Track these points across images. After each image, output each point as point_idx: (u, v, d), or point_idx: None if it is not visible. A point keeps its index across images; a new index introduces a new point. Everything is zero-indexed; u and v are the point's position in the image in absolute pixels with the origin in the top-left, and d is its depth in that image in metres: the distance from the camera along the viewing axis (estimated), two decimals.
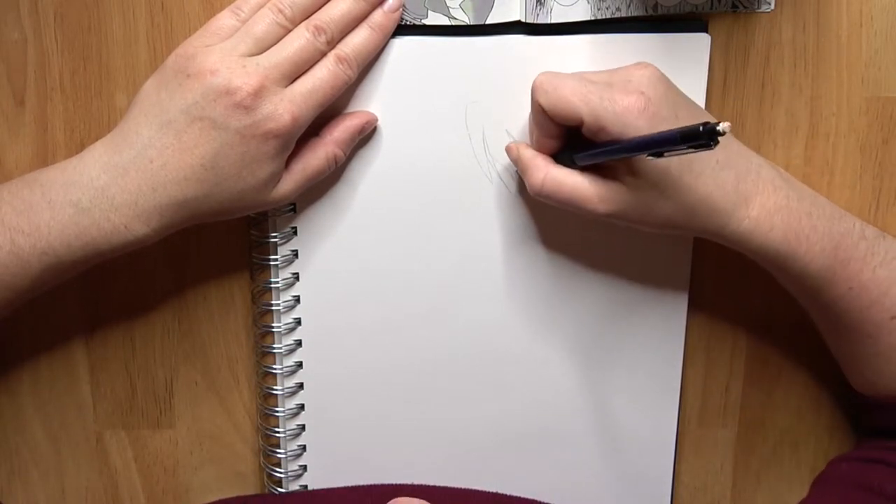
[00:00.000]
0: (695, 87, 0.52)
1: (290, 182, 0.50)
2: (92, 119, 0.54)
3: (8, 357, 0.57)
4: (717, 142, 0.38)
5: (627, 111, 0.45)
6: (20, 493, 0.59)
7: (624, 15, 0.52)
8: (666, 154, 0.42)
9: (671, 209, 0.48)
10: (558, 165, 0.49)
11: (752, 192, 0.48)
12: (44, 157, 0.54)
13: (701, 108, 0.49)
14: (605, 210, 0.48)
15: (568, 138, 0.49)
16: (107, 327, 0.57)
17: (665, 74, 0.47)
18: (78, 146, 0.51)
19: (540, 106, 0.47)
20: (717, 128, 0.38)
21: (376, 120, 0.52)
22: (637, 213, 0.48)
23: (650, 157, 0.43)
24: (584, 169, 0.48)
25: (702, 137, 0.39)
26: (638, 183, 0.47)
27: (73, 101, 0.53)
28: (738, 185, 0.48)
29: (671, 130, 0.41)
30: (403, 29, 0.51)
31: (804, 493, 0.57)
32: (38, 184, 0.48)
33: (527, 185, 0.50)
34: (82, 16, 0.52)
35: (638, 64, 0.48)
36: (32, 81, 0.53)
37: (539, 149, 0.50)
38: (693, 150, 0.40)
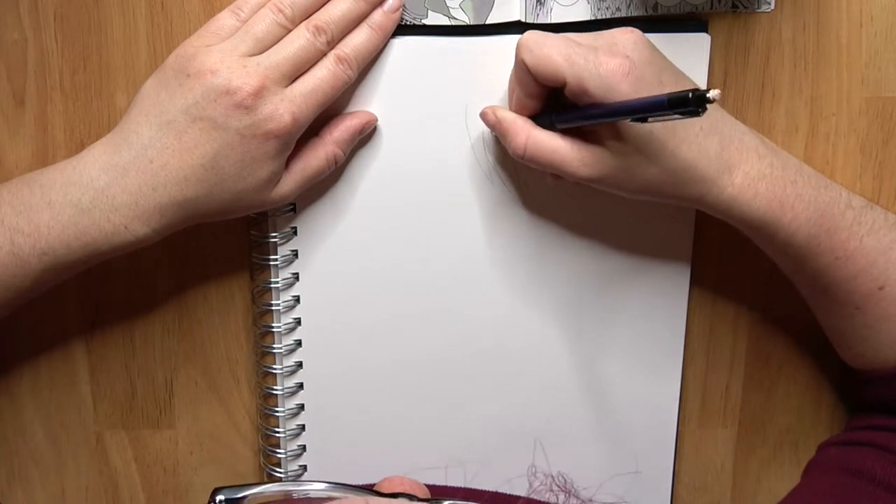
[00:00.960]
0: None
1: (290, 182, 0.50)
2: (92, 119, 0.54)
3: (8, 357, 0.57)
4: (706, 109, 0.38)
5: (612, 74, 0.45)
6: (20, 493, 0.59)
7: (624, 15, 0.52)
8: (650, 119, 0.42)
9: (654, 175, 0.48)
10: (539, 128, 0.49)
11: (736, 160, 0.48)
12: (44, 157, 0.54)
13: (684, 74, 0.49)
14: (587, 174, 0.48)
15: (548, 100, 0.49)
16: (107, 327, 0.57)
17: (649, 39, 0.47)
18: (78, 146, 0.51)
19: (524, 64, 0.47)
20: (707, 95, 0.37)
21: (376, 120, 0.52)
22: (619, 178, 0.48)
23: (634, 122, 0.43)
24: (566, 132, 0.48)
25: (690, 104, 0.38)
26: (621, 147, 0.47)
27: (73, 101, 0.53)
28: (722, 153, 0.48)
29: (659, 95, 0.41)
30: (403, 29, 0.51)
31: None
32: (37, 184, 0.48)
33: (508, 148, 0.50)
34: (82, 16, 0.52)
35: (623, 28, 0.47)
36: (32, 81, 0.53)
37: (519, 110, 0.50)
38: (680, 116, 0.40)
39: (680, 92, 0.39)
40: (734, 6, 0.53)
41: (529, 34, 0.47)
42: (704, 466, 0.61)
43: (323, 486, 0.42)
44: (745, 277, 0.57)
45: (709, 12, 0.53)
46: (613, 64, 0.45)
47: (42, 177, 0.48)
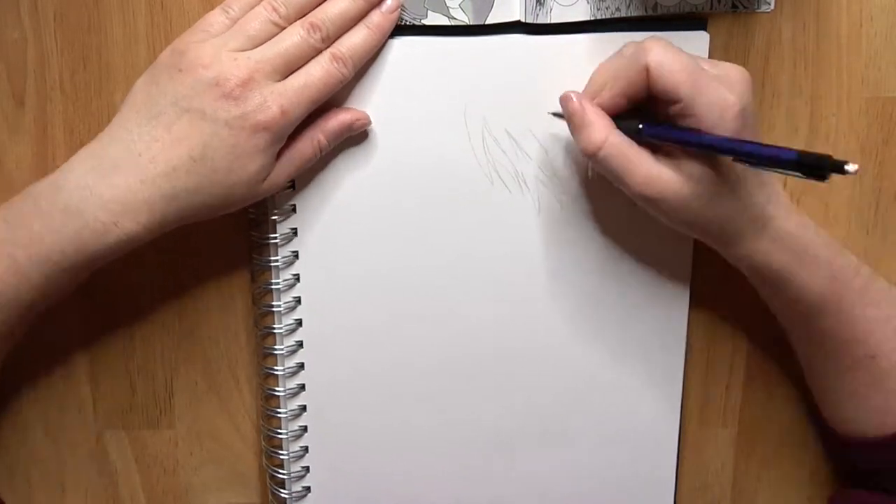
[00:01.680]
0: None
1: (279, 171, 0.50)
2: (92, 119, 0.54)
3: (8, 358, 0.57)
4: (829, 177, 0.38)
5: (728, 109, 0.45)
6: (20, 493, 0.59)
7: (624, 15, 0.52)
8: (757, 165, 0.42)
9: (709, 212, 0.48)
10: (619, 131, 0.48)
11: (770, 216, 0.49)
12: (44, 157, 0.54)
13: (758, 126, 0.49)
14: (647, 193, 0.47)
15: (634, 107, 0.48)
16: (107, 327, 0.57)
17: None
18: (78, 146, 0.50)
19: (646, 68, 0.46)
20: (846, 167, 0.36)
21: (368, 121, 0.52)
22: (671, 206, 0.47)
23: (737, 161, 0.44)
24: (641, 142, 0.47)
25: (822, 169, 0.37)
26: (697, 177, 0.46)
27: (73, 101, 0.53)
28: (766, 206, 0.48)
29: (787, 150, 0.40)
30: (403, 29, 0.51)
31: (804, 493, 0.57)
32: (29, 196, 0.48)
33: (579, 141, 0.48)
34: (82, 16, 0.52)
35: (733, 65, 0.47)
36: (32, 81, 0.53)
37: (607, 104, 0.48)
38: (800, 175, 0.39)
39: (814, 154, 0.38)
40: (734, 6, 0.53)
41: (659, 41, 0.46)
42: (704, 466, 0.61)
43: None
44: (746, 278, 0.57)
45: (708, 12, 0.53)
46: (731, 99, 0.45)
47: (33, 188, 0.48)
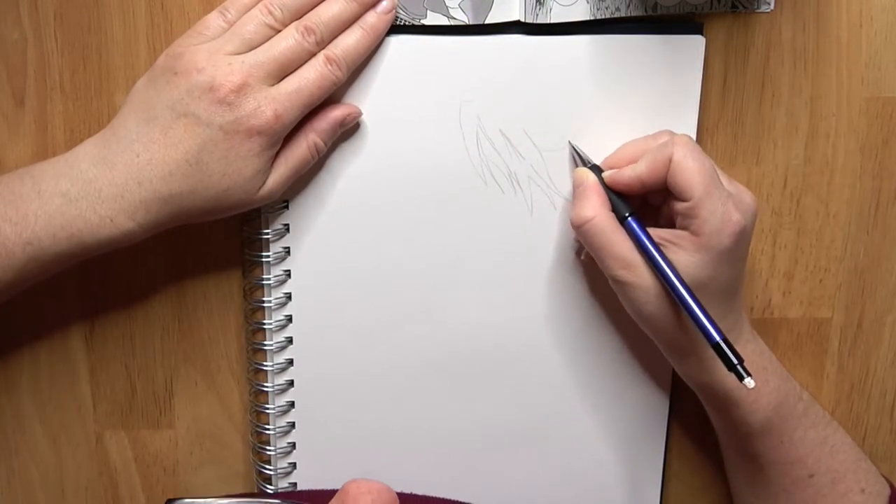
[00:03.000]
0: (689, 89, 0.53)
1: (275, 177, 0.50)
2: (92, 119, 0.54)
3: (8, 356, 0.57)
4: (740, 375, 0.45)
5: (729, 224, 0.47)
6: (20, 493, 0.59)
7: (623, 15, 0.52)
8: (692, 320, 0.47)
9: (668, 319, 0.50)
10: (610, 213, 0.50)
11: (732, 339, 0.49)
12: (44, 157, 0.54)
13: (745, 258, 0.51)
14: (618, 275, 0.49)
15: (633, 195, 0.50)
16: (107, 327, 0.57)
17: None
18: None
19: (668, 159, 0.48)
20: (744, 381, 0.45)
21: (359, 113, 0.52)
22: (638, 297, 0.49)
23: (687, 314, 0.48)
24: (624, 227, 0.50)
25: (727, 365, 0.46)
26: (660, 284, 0.49)
27: (73, 101, 0.54)
28: (730, 332, 0.49)
29: (717, 328, 0.46)
30: (402, 29, 0.51)
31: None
32: (29, 175, 0.48)
33: (571, 210, 0.51)
34: (82, 16, 0.52)
35: (747, 190, 0.49)
36: (32, 81, 0.53)
37: (628, 182, 0.50)
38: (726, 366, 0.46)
39: (726, 353, 0.46)
40: (734, 6, 0.53)
41: (689, 140, 0.48)
42: (704, 466, 0.60)
43: (275, 501, 0.42)
44: (745, 277, 0.57)
45: (708, 13, 0.53)
46: (735, 219, 0.47)
47: (35, 168, 0.48)
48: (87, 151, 0.48)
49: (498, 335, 0.56)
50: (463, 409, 0.57)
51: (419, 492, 0.58)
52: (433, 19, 0.51)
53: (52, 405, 0.58)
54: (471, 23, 0.51)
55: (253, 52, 0.48)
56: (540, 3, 0.51)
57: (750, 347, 0.51)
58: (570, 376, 0.57)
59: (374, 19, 0.50)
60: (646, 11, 0.52)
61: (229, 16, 0.49)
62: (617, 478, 0.59)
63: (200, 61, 0.47)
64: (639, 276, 0.49)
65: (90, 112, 0.54)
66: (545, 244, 0.55)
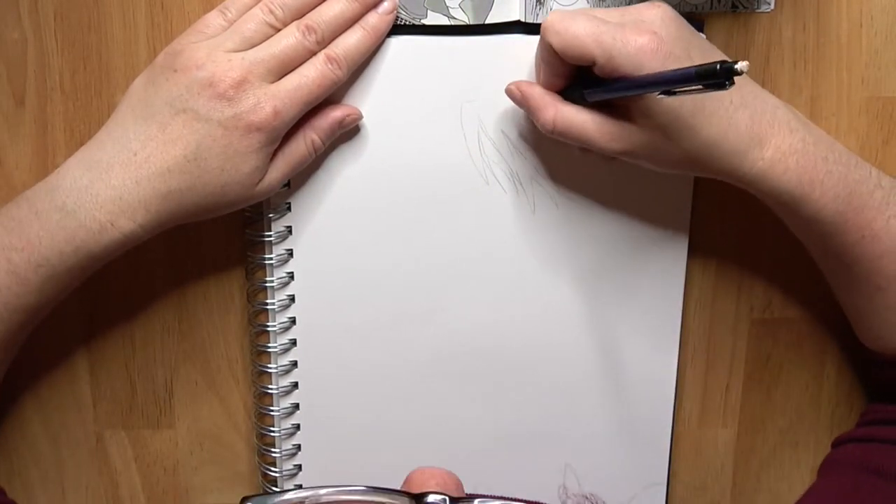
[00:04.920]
0: None
1: (273, 173, 0.50)
2: (92, 119, 0.54)
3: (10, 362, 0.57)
4: (733, 82, 0.38)
5: (641, 51, 0.45)
6: (20, 493, 0.59)
7: None
8: (679, 92, 0.42)
9: (682, 149, 0.47)
10: (567, 103, 0.49)
11: (768, 134, 0.48)
12: (44, 157, 0.54)
13: (714, 48, 0.49)
14: (617, 148, 0.48)
15: (576, 75, 0.49)
16: (107, 327, 0.57)
17: (677, 13, 0.47)
18: (78, 146, 0.50)
19: (550, 46, 0.47)
20: (735, 66, 0.37)
21: (359, 114, 0.52)
22: (647, 152, 0.48)
23: (661, 96, 0.43)
24: (594, 106, 0.48)
25: (718, 76, 0.38)
26: (650, 122, 0.47)
27: (73, 101, 0.54)
28: (753, 126, 0.47)
29: (687, 68, 0.40)
30: (403, 29, 0.51)
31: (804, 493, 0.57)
32: (24, 199, 0.48)
33: (537, 123, 0.50)
34: (82, 16, 0.52)
35: (649, 3, 0.47)
36: (32, 81, 0.53)
37: (547, 87, 0.50)
38: (708, 89, 0.39)
39: (707, 64, 0.39)
40: (734, 6, 0.53)
41: (554, 15, 0.47)
42: (704, 466, 0.61)
43: (359, 488, 0.42)
44: (745, 278, 0.57)
45: (708, 12, 0.53)
46: (642, 41, 0.45)
47: (29, 192, 0.48)
48: (78, 160, 0.48)
49: (501, 334, 0.56)
50: (468, 408, 0.57)
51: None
52: (434, 19, 0.51)
53: (52, 405, 0.58)
54: (471, 23, 0.51)
55: (253, 49, 0.48)
56: (540, 3, 0.51)
57: (799, 136, 0.48)
58: (574, 376, 0.57)
59: (376, 19, 0.50)
60: None
61: (230, 14, 0.49)
62: (619, 477, 0.59)
63: (200, 58, 0.47)
64: (635, 135, 0.47)
65: (90, 112, 0.54)
66: (548, 243, 0.55)
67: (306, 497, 0.42)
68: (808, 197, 0.48)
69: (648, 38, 0.45)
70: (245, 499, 0.42)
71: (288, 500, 0.42)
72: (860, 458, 0.54)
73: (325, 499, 0.42)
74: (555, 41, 0.46)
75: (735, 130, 0.47)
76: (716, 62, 0.38)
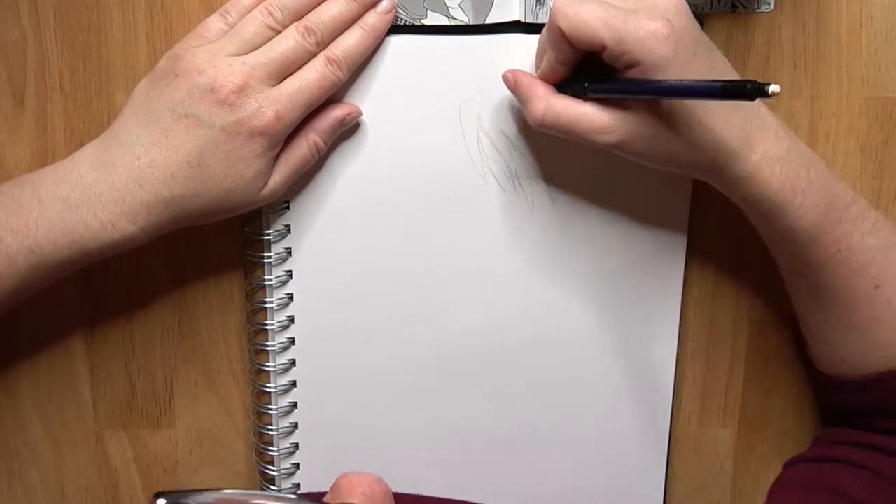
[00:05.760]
0: None
1: (276, 177, 0.50)
2: (92, 119, 0.54)
3: (8, 357, 0.57)
4: (756, 99, 0.38)
5: (652, 36, 0.44)
6: (20, 493, 0.59)
7: None
8: (693, 98, 0.42)
9: (678, 143, 0.47)
10: (559, 95, 0.48)
11: (757, 138, 0.48)
12: (44, 157, 0.54)
13: (715, 47, 0.48)
14: (610, 140, 0.47)
15: (578, 69, 0.48)
16: (107, 327, 0.57)
17: (688, 7, 0.46)
18: (78, 146, 0.51)
19: (559, 30, 0.46)
20: (767, 89, 0.37)
21: (359, 112, 0.52)
22: (642, 145, 0.47)
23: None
24: (587, 98, 0.48)
25: (747, 96, 0.38)
26: (648, 116, 0.46)
27: (73, 101, 0.54)
28: (745, 128, 0.47)
29: (712, 83, 0.40)
30: (402, 29, 0.51)
31: None
32: (28, 183, 0.48)
33: (526, 116, 0.49)
34: (82, 16, 0.52)
35: None
36: (32, 81, 0.53)
37: (549, 75, 0.49)
38: (727, 101, 0.39)
39: (736, 82, 0.38)
40: (734, 6, 0.53)
41: (563, 1, 0.46)
42: (704, 466, 0.61)
43: (267, 494, 0.42)
44: (745, 278, 0.57)
45: (708, 12, 0.53)
46: (654, 26, 0.44)
47: (34, 176, 0.48)
48: (86, 156, 0.48)
49: (499, 334, 0.56)
50: (466, 408, 0.57)
51: (422, 492, 0.58)
52: (433, 19, 0.51)
53: (52, 405, 0.58)
54: (471, 23, 0.51)
55: (254, 53, 0.48)
56: (540, 3, 0.51)
57: (785, 144, 0.48)
58: (572, 375, 0.57)
59: (375, 19, 0.50)
60: None
61: (230, 18, 0.49)
62: (619, 477, 0.59)
63: (201, 63, 0.47)
64: (631, 129, 0.47)
65: (90, 112, 0.54)
66: (546, 242, 0.55)
67: (222, 498, 0.42)
68: (789, 204, 0.48)
69: (661, 24, 0.44)
70: (157, 495, 0.42)
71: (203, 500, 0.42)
72: (815, 478, 0.53)
73: (237, 498, 0.42)
74: (563, 24, 0.45)
75: (729, 129, 0.47)
76: (745, 81, 0.38)
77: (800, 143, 0.50)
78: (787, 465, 0.57)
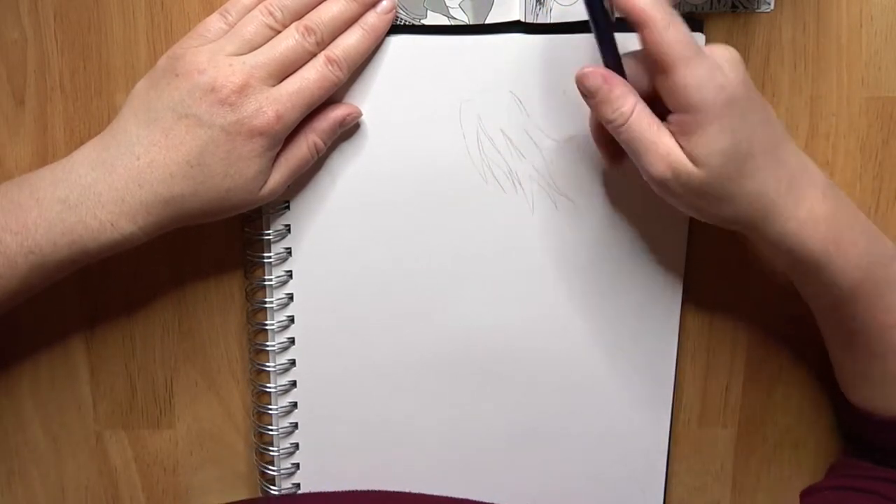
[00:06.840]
0: None
1: (276, 177, 0.50)
2: (92, 119, 0.54)
3: (8, 357, 0.57)
4: None
5: (721, 91, 0.44)
6: (20, 493, 0.59)
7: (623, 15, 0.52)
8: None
9: (726, 194, 0.46)
10: (648, 109, 0.46)
11: (803, 195, 0.47)
12: (44, 157, 0.54)
13: (774, 114, 0.48)
14: (662, 174, 0.46)
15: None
16: (107, 327, 0.57)
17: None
18: (78, 146, 0.51)
19: (645, 13, 0.44)
20: None
21: (359, 112, 0.52)
22: (690, 191, 0.46)
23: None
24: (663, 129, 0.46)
25: None
26: (706, 158, 0.45)
27: (73, 101, 0.54)
28: (792, 184, 0.47)
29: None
30: (402, 29, 0.51)
31: None
32: (27, 183, 0.48)
33: (605, 113, 0.46)
34: (82, 16, 0.52)
35: (722, 45, 0.46)
36: (32, 81, 0.53)
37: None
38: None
39: None
40: (734, 6, 0.53)
41: (657, 8, 0.44)
42: (704, 467, 0.61)
43: None
44: (745, 277, 0.57)
45: (708, 12, 0.53)
46: (720, 82, 0.44)
47: (32, 176, 0.48)
48: (85, 156, 0.48)
49: (499, 334, 0.56)
50: (466, 408, 0.57)
51: (423, 491, 0.58)
52: (433, 19, 0.51)
53: (52, 405, 0.58)
54: (471, 23, 0.51)
55: (254, 52, 0.48)
56: (540, 3, 0.51)
57: (831, 202, 0.48)
58: (572, 376, 0.57)
59: (375, 19, 0.50)
60: None
61: (230, 18, 0.49)
62: (619, 477, 0.59)
63: (201, 62, 0.47)
64: (693, 173, 0.45)
65: (90, 112, 0.54)
66: (546, 243, 0.55)
67: None
68: (832, 262, 0.48)
69: (727, 83, 0.44)
70: None
71: None
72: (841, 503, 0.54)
73: None
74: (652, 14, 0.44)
75: (776, 184, 0.47)
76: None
77: (845, 199, 0.49)
78: (804, 494, 0.57)
